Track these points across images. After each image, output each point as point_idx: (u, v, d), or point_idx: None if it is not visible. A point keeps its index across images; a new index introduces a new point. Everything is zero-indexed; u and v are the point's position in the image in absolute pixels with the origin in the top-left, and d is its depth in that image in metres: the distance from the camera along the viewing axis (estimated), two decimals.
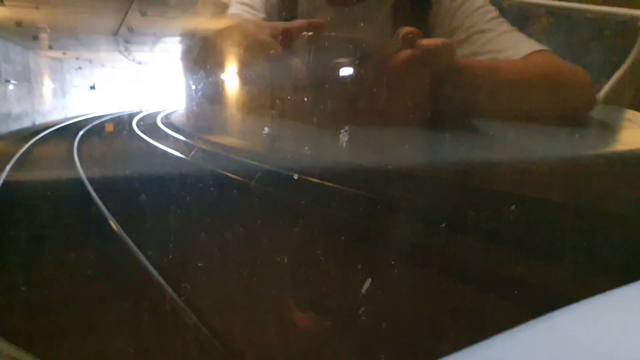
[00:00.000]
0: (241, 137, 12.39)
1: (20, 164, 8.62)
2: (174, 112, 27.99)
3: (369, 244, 3.29)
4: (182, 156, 9.85)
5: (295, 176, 3.29)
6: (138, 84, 39.59)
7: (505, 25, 1.12)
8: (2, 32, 14.41)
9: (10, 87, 18.21)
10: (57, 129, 17.92)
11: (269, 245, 3.38)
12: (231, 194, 5.64)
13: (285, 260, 2.91)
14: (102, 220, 4.82)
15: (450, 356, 0.37)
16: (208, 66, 5.56)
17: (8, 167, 7.65)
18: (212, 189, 5.93)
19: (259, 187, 5.17)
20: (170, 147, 11.23)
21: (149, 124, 20.71)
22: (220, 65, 4.24)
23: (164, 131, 16.69)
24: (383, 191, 3.19)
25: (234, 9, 1.22)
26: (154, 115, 26.61)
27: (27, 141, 11.96)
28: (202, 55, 6.04)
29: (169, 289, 3.21)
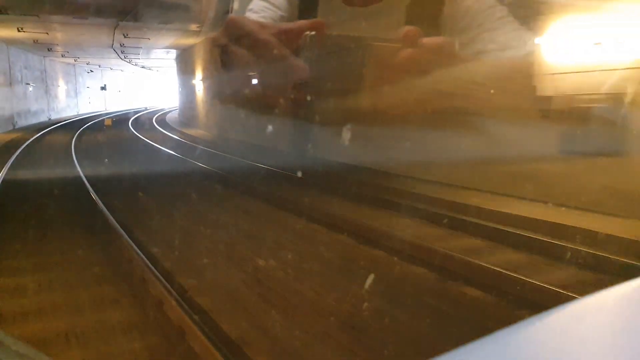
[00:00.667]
0: (204, 129, 16.94)
1: (31, 145, 12.54)
2: (170, 110, 32.05)
3: (235, 188, 7.10)
4: (146, 140, 13.75)
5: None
6: (144, 85, 43.94)
7: (513, 25, 1.16)
8: (23, 45, 18.35)
9: (30, 88, 22.31)
10: (66, 123, 21.95)
11: (178, 182, 7.21)
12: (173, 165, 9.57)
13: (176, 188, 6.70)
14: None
15: (450, 353, 0.37)
16: (183, 73, 11.15)
17: (22, 146, 11.59)
18: (158, 160, 9.88)
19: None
20: (142, 133, 15.21)
21: (144, 119, 24.72)
22: (190, 72, 9.27)
23: (152, 124, 20.60)
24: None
25: (255, 5, 1.23)
26: (152, 113, 30.70)
27: (40, 132, 15.93)
28: (180, 64, 11.80)
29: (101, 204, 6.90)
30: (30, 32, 13.50)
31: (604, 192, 4.57)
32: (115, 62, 30.85)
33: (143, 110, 34.63)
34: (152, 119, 24.74)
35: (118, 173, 8.91)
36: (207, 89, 15.91)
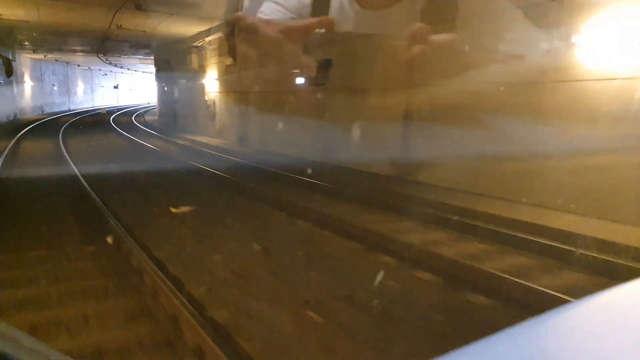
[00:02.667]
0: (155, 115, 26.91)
1: (52, 119, 21.87)
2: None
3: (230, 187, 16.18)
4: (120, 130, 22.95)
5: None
6: (153, 84, 53.66)
7: (522, 24, 2.00)
8: (49, 61, 27.92)
9: (55, 88, 32.03)
10: (78, 111, 31.58)
11: (130, 160, 16.31)
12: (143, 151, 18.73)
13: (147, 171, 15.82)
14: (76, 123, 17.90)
15: (450, 354, 0.37)
16: (162, 78, 22.50)
17: (49, 119, 20.99)
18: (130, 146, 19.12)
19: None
20: (127, 119, 24.54)
21: (141, 112, 34.00)
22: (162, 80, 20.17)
23: (142, 114, 29.98)
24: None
25: (266, 7, 1.23)
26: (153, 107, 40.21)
27: (59, 115, 25.41)
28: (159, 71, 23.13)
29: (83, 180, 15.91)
30: (50, 56, 22.98)
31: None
32: (127, 64, 40.14)
33: (147, 105, 44.04)
34: (145, 111, 34.20)
35: (90, 124, 18.06)
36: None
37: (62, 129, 16.75)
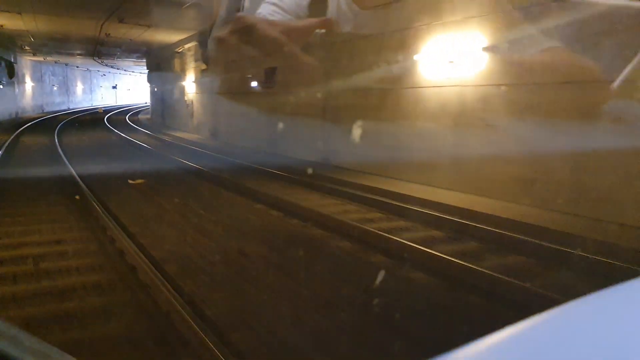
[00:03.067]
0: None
1: (52, 117, 23.82)
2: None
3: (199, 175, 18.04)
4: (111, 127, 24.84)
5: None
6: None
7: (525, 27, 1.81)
8: (49, 63, 29.88)
9: (55, 88, 34.02)
10: (76, 110, 33.54)
11: (110, 147, 18.25)
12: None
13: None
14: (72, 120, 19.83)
15: (450, 353, 0.37)
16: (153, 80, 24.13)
17: (48, 117, 22.94)
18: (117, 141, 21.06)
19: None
20: (116, 117, 26.45)
21: (136, 111, 35.95)
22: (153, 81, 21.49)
23: (136, 113, 31.92)
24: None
25: (264, 8, 1.22)
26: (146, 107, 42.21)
27: (57, 113, 27.36)
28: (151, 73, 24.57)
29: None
30: (52, 59, 24.91)
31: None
32: (125, 66, 42.16)
33: (143, 105, 45.98)
34: (138, 110, 36.14)
35: (85, 121, 19.97)
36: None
37: (59, 126, 18.63)
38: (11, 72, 23.14)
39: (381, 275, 3.85)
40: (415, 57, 6.82)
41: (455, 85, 6.37)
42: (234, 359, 2.49)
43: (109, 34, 15.25)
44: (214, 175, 8.37)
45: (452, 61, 6.26)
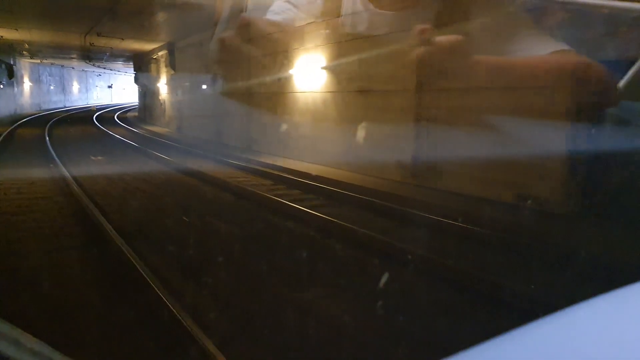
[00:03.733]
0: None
1: (49, 113, 26.73)
2: None
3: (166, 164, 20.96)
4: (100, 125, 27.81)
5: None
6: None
7: (531, 28, 1.20)
8: (45, 64, 32.81)
9: (52, 87, 36.99)
10: (71, 108, 36.51)
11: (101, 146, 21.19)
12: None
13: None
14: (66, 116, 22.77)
15: (451, 357, 0.37)
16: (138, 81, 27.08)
17: (44, 113, 25.88)
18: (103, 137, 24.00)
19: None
20: (107, 115, 29.41)
21: (127, 109, 38.92)
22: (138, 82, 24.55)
23: (126, 111, 34.84)
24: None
25: (277, 6, 1.25)
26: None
27: (53, 110, 30.27)
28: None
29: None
30: (48, 61, 27.85)
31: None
32: (121, 67, 45.14)
33: (135, 103, 48.79)
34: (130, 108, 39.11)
35: (77, 118, 22.87)
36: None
37: (52, 121, 21.50)
38: (11, 74, 26.06)
39: (211, 195, 6.78)
40: (291, 72, 9.74)
41: (311, 92, 9.29)
42: (109, 223, 5.36)
43: (93, 43, 18.15)
44: (158, 156, 11.28)
45: (309, 74, 9.18)
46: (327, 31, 8.07)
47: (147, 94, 24.53)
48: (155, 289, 3.28)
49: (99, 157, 10.45)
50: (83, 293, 3.55)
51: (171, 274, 3.87)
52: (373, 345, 2.88)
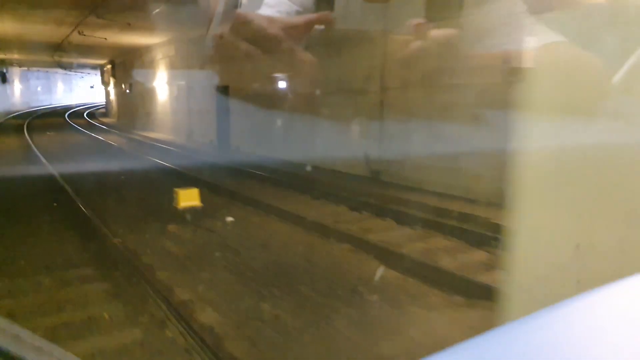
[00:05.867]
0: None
1: (29, 111, 34.47)
2: None
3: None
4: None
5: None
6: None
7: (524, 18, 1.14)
8: (34, 68, 40.51)
9: (39, 89, 44.83)
10: (56, 106, 44.29)
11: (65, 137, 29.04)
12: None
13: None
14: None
15: (443, 352, 0.38)
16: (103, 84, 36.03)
17: (33, 109, 33.71)
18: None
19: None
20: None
21: (99, 107, 46.64)
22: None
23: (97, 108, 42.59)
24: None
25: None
26: None
27: (40, 108, 38.03)
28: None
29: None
30: (35, 67, 35.64)
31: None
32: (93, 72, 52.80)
33: None
34: None
35: (55, 113, 30.64)
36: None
37: (34, 115, 29.25)
38: (4, 79, 33.80)
39: (97, 146, 14.73)
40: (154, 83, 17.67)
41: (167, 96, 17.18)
42: (37, 150, 13.15)
43: (60, 59, 25.94)
44: (88, 133, 19.09)
45: (161, 84, 17.10)
46: None
47: (107, 94, 32.37)
48: (43, 160, 11.12)
49: (52, 133, 18.23)
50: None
51: (48, 156, 11.69)
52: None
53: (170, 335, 3.29)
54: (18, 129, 20.56)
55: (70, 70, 37.67)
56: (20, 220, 6.24)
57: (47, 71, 46.64)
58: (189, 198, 6.19)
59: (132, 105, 21.96)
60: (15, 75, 37.02)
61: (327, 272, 4.52)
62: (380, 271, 4.40)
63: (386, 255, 4.70)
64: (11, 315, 3.48)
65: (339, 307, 3.74)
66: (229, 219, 6.27)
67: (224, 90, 11.89)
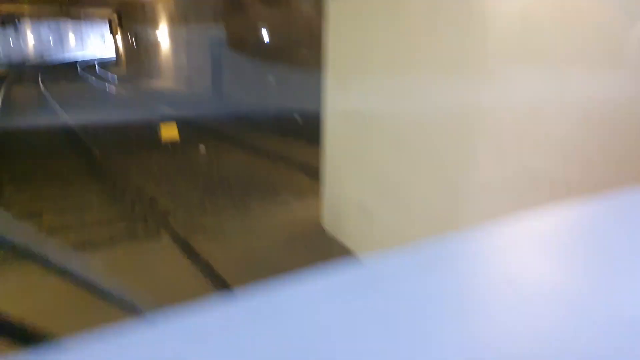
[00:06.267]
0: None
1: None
2: None
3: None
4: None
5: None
6: None
7: None
8: (45, 20, 41.58)
9: (50, 39, 46.10)
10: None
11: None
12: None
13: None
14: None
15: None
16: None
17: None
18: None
19: None
20: None
21: None
22: None
23: None
24: None
25: None
26: None
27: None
28: None
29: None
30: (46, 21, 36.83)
31: None
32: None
33: None
34: None
35: None
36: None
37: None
38: (16, 30, 35.04)
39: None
40: None
41: None
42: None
43: (68, 10, 27.03)
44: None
45: None
46: None
47: (115, 46, 33.54)
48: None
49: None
50: None
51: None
52: None
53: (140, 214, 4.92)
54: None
55: (80, 20, 38.68)
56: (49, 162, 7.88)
57: (57, 23, 47.70)
58: (169, 131, 7.71)
59: (138, 55, 23.19)
60: (27, 28, 38.21)
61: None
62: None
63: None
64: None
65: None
66: (202, 147, 7.79)
67: (221, 42, 12.78)
